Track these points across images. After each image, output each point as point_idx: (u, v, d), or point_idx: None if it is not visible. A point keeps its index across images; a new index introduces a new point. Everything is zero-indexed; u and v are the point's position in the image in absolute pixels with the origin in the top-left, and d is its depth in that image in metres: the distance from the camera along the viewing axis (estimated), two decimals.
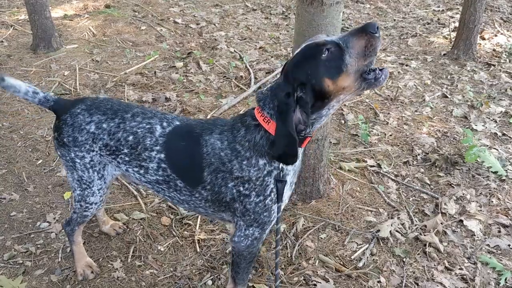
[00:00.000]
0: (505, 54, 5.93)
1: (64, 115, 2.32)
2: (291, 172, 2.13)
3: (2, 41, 5.87)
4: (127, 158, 2.27)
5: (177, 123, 2.24)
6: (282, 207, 2.17)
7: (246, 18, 7.34)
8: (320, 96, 1.87)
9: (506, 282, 2.79)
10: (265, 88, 2.03)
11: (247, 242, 2.22)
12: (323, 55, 1.81)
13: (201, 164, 2.10)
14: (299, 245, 2.99)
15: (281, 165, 2.02)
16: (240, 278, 2.42)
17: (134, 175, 2.32)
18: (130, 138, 2.22)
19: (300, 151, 2.06)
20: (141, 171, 2.26)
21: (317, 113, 1.94)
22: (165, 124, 2.22)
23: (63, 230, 3.03)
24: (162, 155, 2.18)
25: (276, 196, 2.08)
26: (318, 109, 1.93)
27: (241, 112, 2.27)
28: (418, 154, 3.97)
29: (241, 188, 2.08)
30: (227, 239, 3.01)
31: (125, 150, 2.25)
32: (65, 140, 2.31)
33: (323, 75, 1.82)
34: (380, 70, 1.87)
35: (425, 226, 3.18)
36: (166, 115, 2.30)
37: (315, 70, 1.82)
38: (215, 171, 2.09)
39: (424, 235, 3.09)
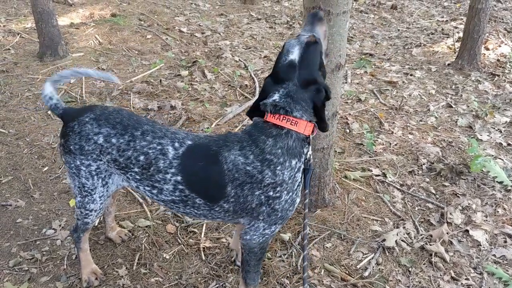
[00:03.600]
0: (510, 65, 5.94)
1: (72, 122, 2.32)
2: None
3: (9, 49, 5.92)
4: (137, 177, 2.25)
5: (189, 142, 2.21)
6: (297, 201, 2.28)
7: (251, 27, 7.40)
8: None
9: None
10: (271, 100, 2.09)
11: (261, 239, 2.29)
12: None
13: (223, 181, 2.12)
14: None
15: (308, 153, 2.20)
16: (251, 278, 2.45)
17: (145, 193, 2.31)
18: (141, 158, 2.20)
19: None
20: (154, 191, 2.25)
21: None
22: (177, 144, 2.18)
23: (69, 237, 3.05)
24: (179, 178, 2.16)
25: (298, 187, 2.22)
26: None
27: (246, 128, 2.27)
28: (423, 164, 3.97)
29: (271, 193, 2.13)
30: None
31: (136, 169, 2.23)
32: (71, 147, 2.31)
33: None
34: None
35: (431, 235, 3.18)
36: (176, 133, 2.25)
37: None
38: (240, 185, 2.12)
39: (430, 245, 3.08)
